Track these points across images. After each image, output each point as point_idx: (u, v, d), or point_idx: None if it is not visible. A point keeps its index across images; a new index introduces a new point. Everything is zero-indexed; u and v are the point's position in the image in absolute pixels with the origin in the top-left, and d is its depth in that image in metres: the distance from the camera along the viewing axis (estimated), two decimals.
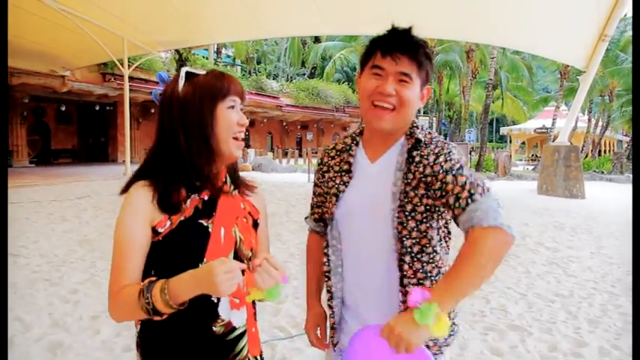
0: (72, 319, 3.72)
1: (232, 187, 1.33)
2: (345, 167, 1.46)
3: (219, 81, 1.24)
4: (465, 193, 1.21)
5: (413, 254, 1.34)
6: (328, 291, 1.51)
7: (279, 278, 1.08)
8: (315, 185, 1.58)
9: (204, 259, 1.19)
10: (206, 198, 1.25)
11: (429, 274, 1.35)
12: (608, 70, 25.38)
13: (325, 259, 1.49)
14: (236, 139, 1.26)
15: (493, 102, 29.29)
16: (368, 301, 1.43)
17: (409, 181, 1.32)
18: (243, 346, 1.28)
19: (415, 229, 1.32)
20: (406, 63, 1.31)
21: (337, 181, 1.46)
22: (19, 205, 9.55)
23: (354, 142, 1.48)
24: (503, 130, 38.81)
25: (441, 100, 34.22)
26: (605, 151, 36.10)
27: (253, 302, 1.33)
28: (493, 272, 1.18)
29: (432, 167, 1.29)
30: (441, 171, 1.27)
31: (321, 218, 1.57)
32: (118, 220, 1.18)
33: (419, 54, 1.32)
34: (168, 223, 1.18)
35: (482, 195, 1.21)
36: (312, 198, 1.61)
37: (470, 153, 21.95)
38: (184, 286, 1.06)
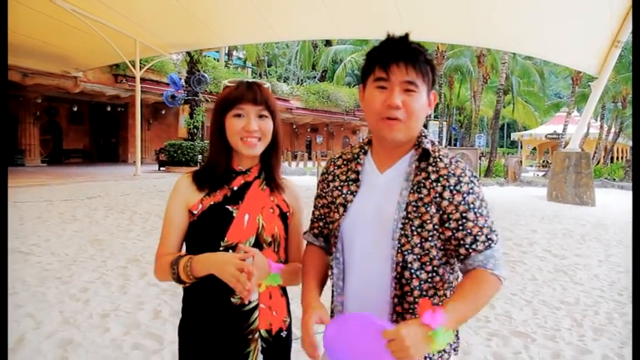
0: (82, 316, 3.79)
1: (264, 183, 1.51)
2: (353, 176, 1.39)
3: (231, 93, 1.46)
4: (483, 237, 1.25)
5: (412, 270, 1.28)
6: None
7: (268, 270, 1.31)
8: (319, 197, 1.49)
9: (226, 238, 1.41)
10: (235, 188, 1.47)
11: (424, 294, 1.30)
12: (621, 77, 25.15)
13: (330, 273, 1.42)
14: (243, 140, 1.44)
15: (504, 107, 29.19)
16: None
17: (422, 196, 1.27)
18: (256, 319, 1.45)
19: (418, 245, 1.27)
20: (410, 71, 1.24)
21: (344, 191, 1.38)
22: (31, 204, 9.68)
23: (363, 151, 1.41)
24: (514, 136, 38.65)
25: (452, 105, 34.21)
26: (617, 158, 35.72)
27: None
28: None
29: (451, 192, 1.25)
30: (462, 203, 1.25)
31: (321, 233, 1.49)
32: (167, 203, 1.49)
33: (420, 60, 1.26)
34: (200, 206, 1.44)
35: (496, 242, 1.26)
36: (314, 212, 1.52)
37: (480, 158, 21.87)
38: (203, 266, 1.32)
